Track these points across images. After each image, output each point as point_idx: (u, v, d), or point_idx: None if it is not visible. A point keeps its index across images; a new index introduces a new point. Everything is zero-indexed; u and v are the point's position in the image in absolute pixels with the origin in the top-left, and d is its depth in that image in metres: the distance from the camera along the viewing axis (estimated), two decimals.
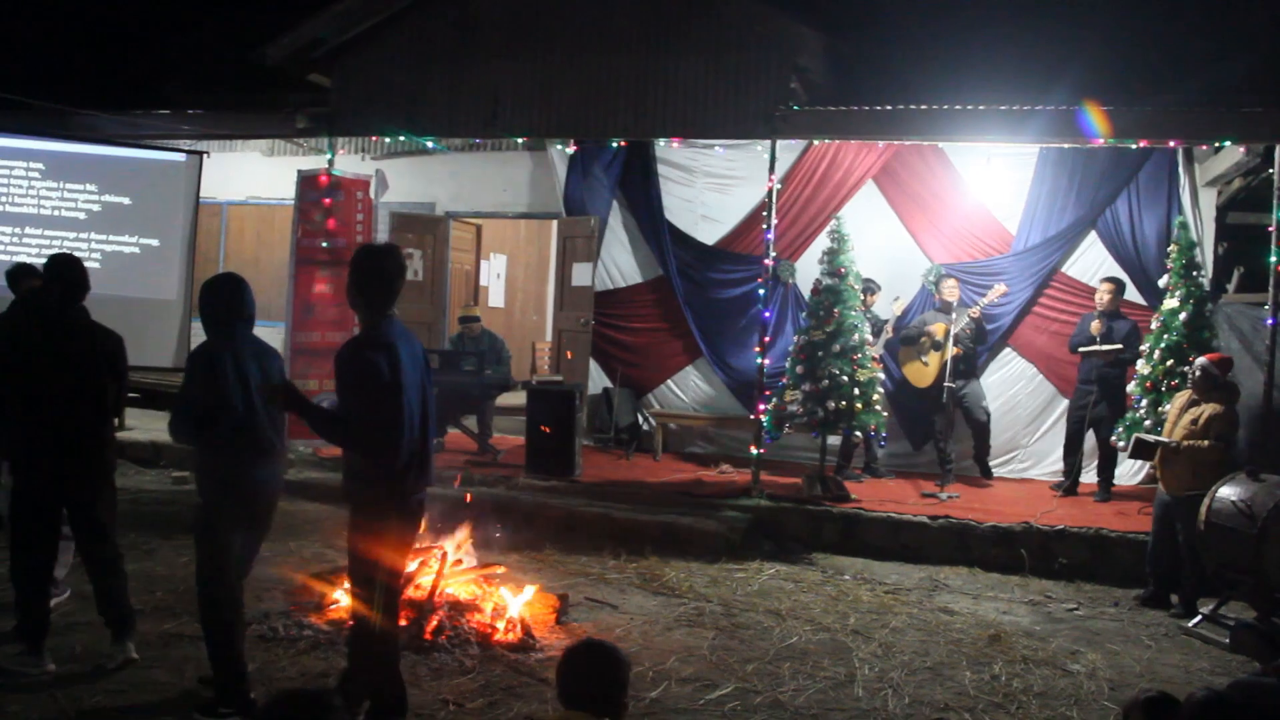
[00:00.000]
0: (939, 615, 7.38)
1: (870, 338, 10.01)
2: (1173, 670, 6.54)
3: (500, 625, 6.24)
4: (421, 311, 12.80)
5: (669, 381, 12.00)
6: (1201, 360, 7.94)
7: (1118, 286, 10.09)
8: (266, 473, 5.16)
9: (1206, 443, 7.60)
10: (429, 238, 13.07)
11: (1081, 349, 10.06)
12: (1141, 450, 8.02)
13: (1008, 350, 11.06)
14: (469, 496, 8.69)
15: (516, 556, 7.81)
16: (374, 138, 12.46)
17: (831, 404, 9.53)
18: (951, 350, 10.05)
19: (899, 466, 11.09)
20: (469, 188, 13.06)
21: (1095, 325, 9.95)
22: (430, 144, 12.48)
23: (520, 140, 12.09)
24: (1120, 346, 9.82)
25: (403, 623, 6.12)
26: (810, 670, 6.11)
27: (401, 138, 11.43)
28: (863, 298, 10.14)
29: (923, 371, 10.38)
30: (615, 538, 8.61)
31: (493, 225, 14.54)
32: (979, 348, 10.51)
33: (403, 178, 13.34)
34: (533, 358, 14.68)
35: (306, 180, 11.17)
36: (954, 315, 10.21)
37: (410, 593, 6.35)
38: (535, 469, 9.84)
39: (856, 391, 9.57)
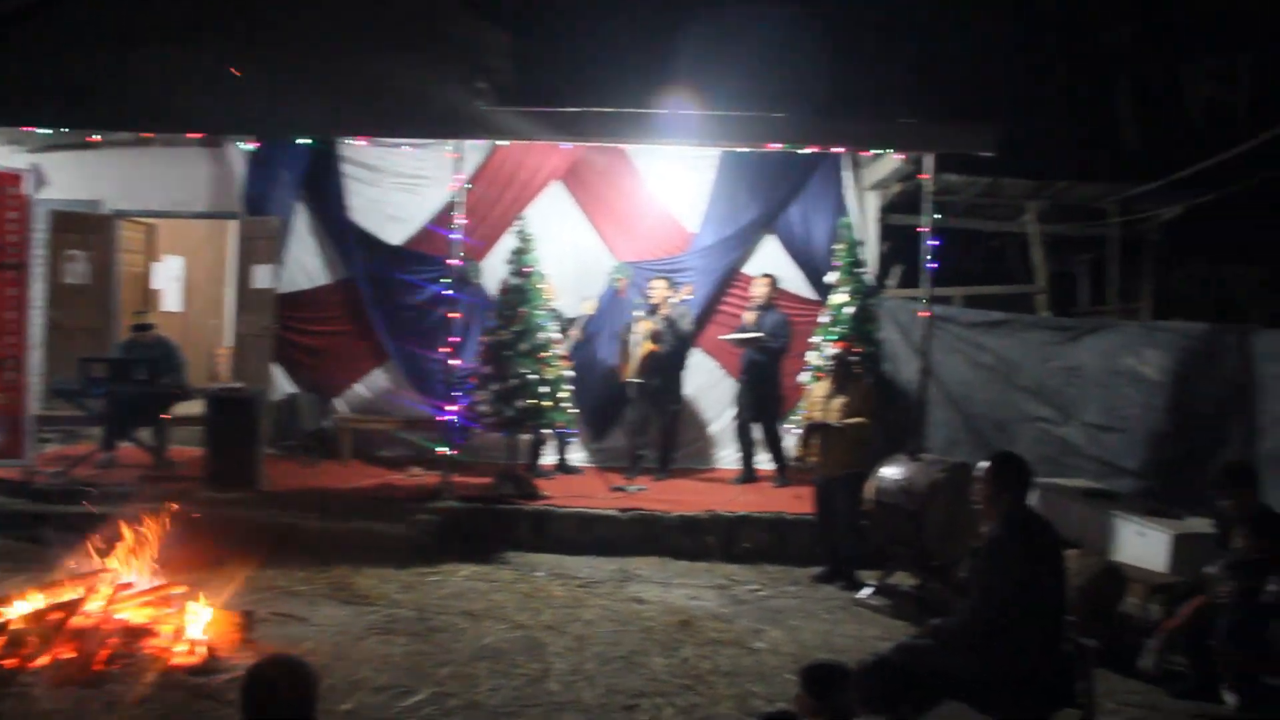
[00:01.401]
0: (631, 605, 7.60)
1: (557, 335, 10.17)
2: (847, 640, 7.02)
3: (180, 648, 5.95)
4: (87, 318, 11.96)
5: (357, 385, 11.76)
6: (834, 351, 8.66)
7: (772, 281, 10.70)
8: None
9: (864, 420, 8.19)
10: (95, 238, 12.18)
11: (721, 337, 10.79)
12: (810, 433, 8.52)
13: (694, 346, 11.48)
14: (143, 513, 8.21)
15: (198, 574, 7.43)
16: (29, 128, 11.50)
17: (520, 403, 9.63)
18: (648, 347, 10.34)
19: (590, 462, 11.33)
20: (140, 185, 12.23)
21: (749, 318, 10.55)
22: (96, 137, 11.66)
23: (196, 136, 11.49)
24: (759, 335, 10.37)
25: (70, 654, 5.76)
26: (506, 669, 6.16)
27: (64, 130, 10.63)
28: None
29: (628, 366, 10.62)
30: (303, 548, 8.37)
31: (167, 225, 13.76)
32: (678, 345, 10.71)
33: (64, 173, 12.35)
34: (212, 364, 14.03)
35: None
36: (646, 313, 10.51)
37: (76, 621, 5.96)
38: (216, 481, 9.41)
39: (544, 389, 9.70)
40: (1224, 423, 9.03)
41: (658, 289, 10.64)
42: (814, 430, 8.45)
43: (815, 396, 8.63)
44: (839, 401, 8.31)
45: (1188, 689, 6.12)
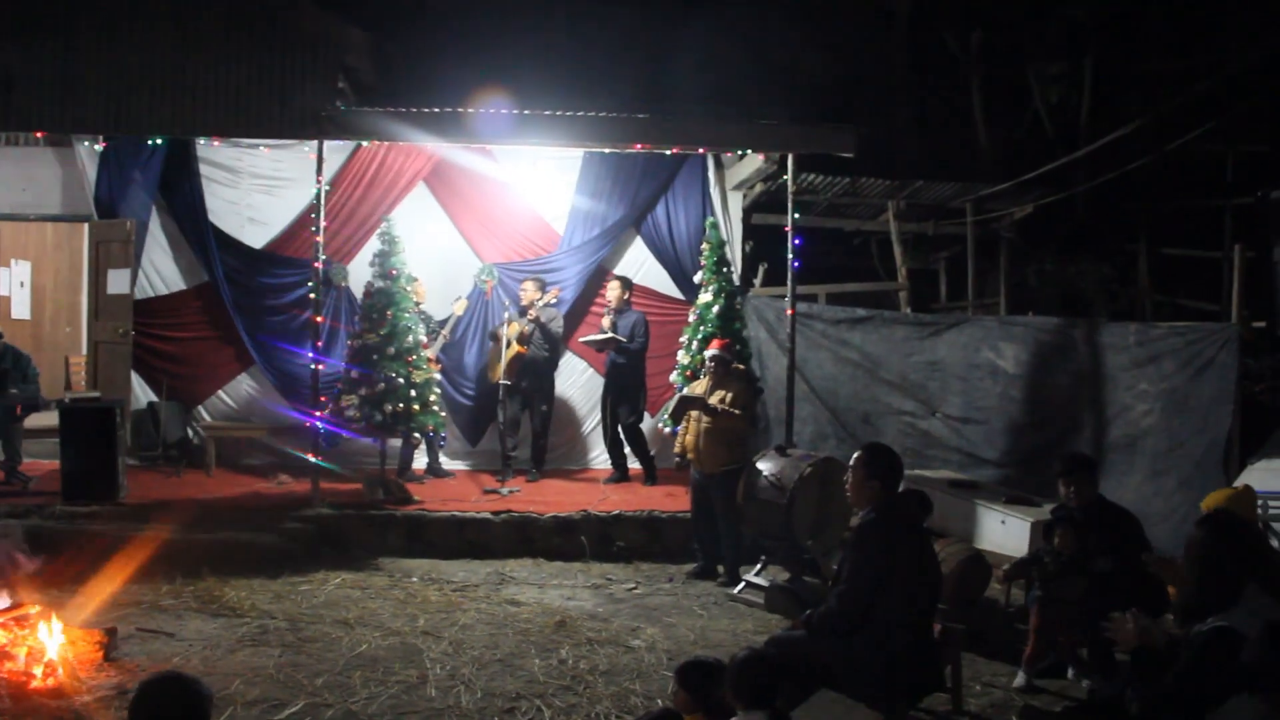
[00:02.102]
0: (506, 608, 7.58)
1: (425, 338, 10.10)
2: (722, 635, 7.11)
3: (38, 671, 5.72)
4: None
5: (220, 391, 11.45)
6: (711, 351, 8.68)
7: (623, 283, 10.82)
8: None
9: (739, 411, 8.30)
10: None
11: (583, 339, 10.87)
12: (683, 407, 8.54)
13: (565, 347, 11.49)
14: None
15: (56, 592, 7.18)
16: None
17: (389, 407, 9.54)
18: (515, 349, 10.32)
19: (462, 465, 11.29)
20: None
21: (606, 322, 10.62)
22: None
23: (40, 134, 11.02)
24: (611, 335, 10.45)
25: None
26: (382, 676, 6.09)
27: None
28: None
29: (497, 368, 10.54)
30: (169, 561, 8.08)
31: (12, 229, 13.18)
32: (549, 347, 10.66)
33: None
34: (66, 373, 13.51)
35: None
36: (515, 314, 10.52)
37: None
38: (74, 494, 9.06)
39: (413, 393, 9.62)
40: (1076, 412, 9.43)
41: (527, 290, 10.65)
42: (687, 404, 8.49)
43: (695, 394, 8.67)
44: (718, 396, 8.40)
45: (1047, 668, 6.35)
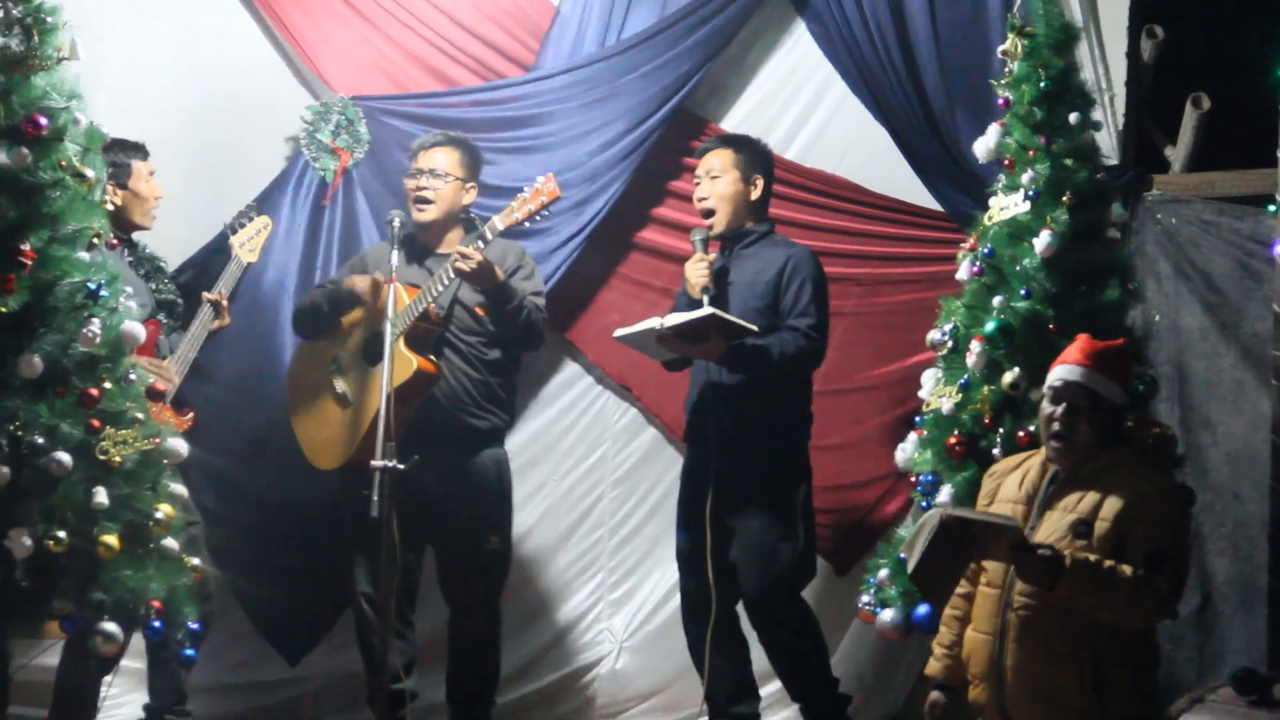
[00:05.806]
0: None
1: (140, 328, 3.29)
2: None
3: None
4: None
5: None
6: (1068, 371, 2.72)
7: (743, 155, 3.74)
8: None
9: (1130, 570, 2.48)
10: None
11: (620, 333, 3.66)
12: (948, 556, 2.52)
13: (566, 361, 4.44)
14: None
15: None
16: None
17: (25, 540, 2.97)
18: (409, 360, 3.48)
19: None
20: None
21: (696, 271, 3.54)
22: None
23: None
24: (709, 315, 3.37)
25: None
26: None
27: None
28: (111, 196, 3.51)
29: (328, 429, 3.76)
30: None
31: None
32: (511, 346, 3.81)
33: None
34: None
35: None
36: (393, 253, 3.55)
37: None
38: None
39: (99, 498, 3.03)
40: None
41: (441, 190, 3.79)
42: (961, 534, 2.49)
43: (1009, 493, 2.77)
44: (1063, 512, 2.60)
45: None
